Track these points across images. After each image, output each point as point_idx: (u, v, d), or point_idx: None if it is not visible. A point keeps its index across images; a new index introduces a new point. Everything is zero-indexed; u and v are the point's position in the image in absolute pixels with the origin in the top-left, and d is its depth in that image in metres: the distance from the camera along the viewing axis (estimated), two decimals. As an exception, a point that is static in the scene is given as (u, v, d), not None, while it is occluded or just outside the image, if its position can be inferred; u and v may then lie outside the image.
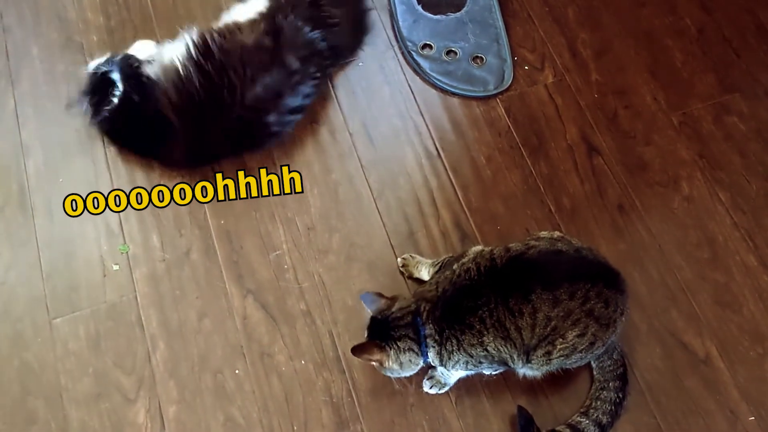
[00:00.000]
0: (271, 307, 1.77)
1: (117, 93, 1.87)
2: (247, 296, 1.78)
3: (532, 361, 1.54)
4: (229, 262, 1.81)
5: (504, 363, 1.54)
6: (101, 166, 1.93)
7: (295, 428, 1.65)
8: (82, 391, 1.67)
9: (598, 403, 1.63)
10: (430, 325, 1.50)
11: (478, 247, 1.60)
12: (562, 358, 1.52)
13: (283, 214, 1.88)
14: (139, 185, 1.90)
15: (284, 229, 1.86)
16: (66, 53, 2.06)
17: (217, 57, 1.84)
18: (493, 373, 1.65)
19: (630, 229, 1.87)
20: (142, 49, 1.98)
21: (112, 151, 1.95)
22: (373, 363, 1.56)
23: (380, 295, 1.56)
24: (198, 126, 1.85)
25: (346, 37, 2.05)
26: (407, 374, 1.59)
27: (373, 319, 1.55)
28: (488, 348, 1.49)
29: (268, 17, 1.91)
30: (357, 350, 1.52)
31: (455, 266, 1.54)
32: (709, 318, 1.76)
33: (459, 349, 1.51)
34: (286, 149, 1.96)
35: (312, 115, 2.01)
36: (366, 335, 1.56)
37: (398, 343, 1.51)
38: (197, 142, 1.88)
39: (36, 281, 1.78)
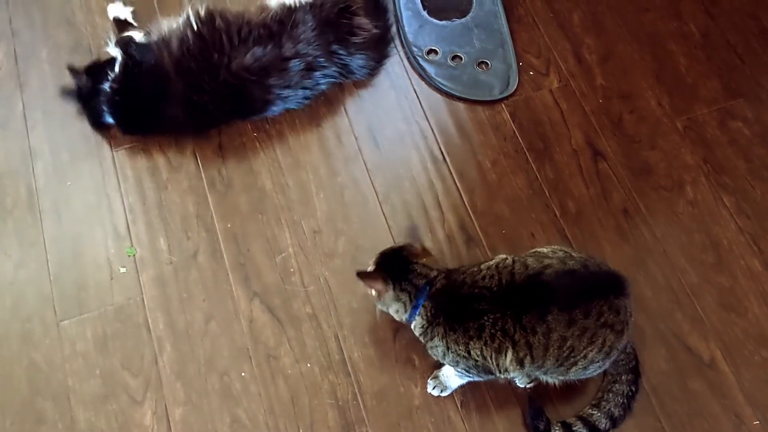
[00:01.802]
0: (278, 310, 1.78)
1: (117, 63, 1.93)
2: (253, 299, 1.79)
3: (550, 373, 1.56)
4: (235, 265, 1.82)
5: (489, 371, 1.54)
6: (108, 169, 1.94)
7: (301, 430, 1.65)
8: (90, 392, 1.68)
9: (611, 395, 1.63)
10: (431, 302, 1.52)
11: (503, 255, 1.59)
12: (580, 370, 1.53)
13: (290, 218, 1.89)
14: (146, 188, 1.91)
15: (290, 232, 1.87)
16: (74, 56, 2.08)
17: (216, 22, 1.91)
18: (481, 379, 1.63)
19: (635, 233, 1.88)
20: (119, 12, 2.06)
21: (119, 154, 1.96)
22: (371, 292, 1.58)
23: (422, 242, 1.60)
24: (192, 82, 1.91)
25: (362, 60, 2.05)
26: (391, 314, 1.61)
27: (397, 252, 1.58)
28: (472, 352, 1.50)
29: (292, 10, 1.96)
30: (364, 275, 1.56)
31: (483, 265, 1.55)
32: (713, 321, 1.77)
33: (441, 339, 1.52)
34: (292, 152, 1.97)
35: (318, 118, 2.02)
36: (377, 259, 1.59)
37: (400, 293, 1.55)
38: (194, 99, 1.92)
39: (44, 282, 1.79)
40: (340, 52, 1.98)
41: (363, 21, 2.02)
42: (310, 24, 1.94)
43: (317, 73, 1.97)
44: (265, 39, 1.92)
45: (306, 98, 2.00)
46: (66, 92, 1.97)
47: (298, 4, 1.97)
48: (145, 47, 1.94)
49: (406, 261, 1.56)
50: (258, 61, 1.91)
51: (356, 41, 2.00)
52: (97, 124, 1.98)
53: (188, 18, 1.93)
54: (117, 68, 1.93)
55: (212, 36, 1.91)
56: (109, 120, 1.97)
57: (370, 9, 2.07)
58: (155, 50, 1.93)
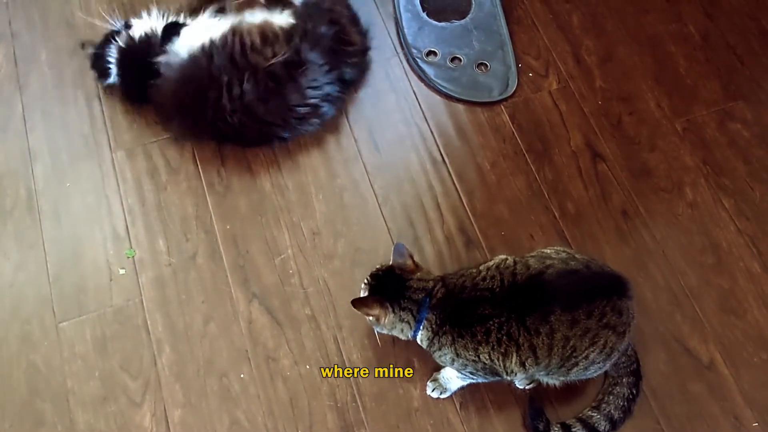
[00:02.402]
0: (277, 312, 1.77)
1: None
2: (252, 300, 1.79)
3: (551, 374, 1.56)
4: (234, 267, 1.82)
5: (495, 373, 1.54)
6: (108, 171, 1.94)
7: (300, 432, 1.66)
8: (89, 393, 1.68)
9: (611, 398, 1.63)
10: (434, 313, 1.51)
11: (503, 256, 1.58)
12: (581, 371, 1.53)
13: (289, 219, 1.89)
14: (146, 189, 1.91)
15: (290, 234, 1.87)
16: (74, 58, 2.08)
17: (218, 63, 1.85)
18: (486, 380, 1.63)
19: (634, 235, 1.88)
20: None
21: (119, 156, 1.96)
22: (369, 318, 1.56)
23: (411, 255, 1.57)
24: (181, 108, 1.91)
25: (358, 71, 2.05)
26: (395, 334, 1.60)
27: (389, 271, 1.55)
28: (480, 356, 1.50)
29: (296, 42, 1.87)
30: (359, 303, 1.53)
31: (481, 267, 1.54)
32: (713, 323, 1.77)
33: (450, 346, 1.51)
34: (291, 154, 1.97)
35: (317, 120, 2.02)
36: (369, 281, 1.56)
37: (401, 312, 1.52)
38: (182, 119, 1.93)
39: (43, 284, 1.79)
40: (347, 75, 1.98)
41: (354, 37, 2.00)
42: (320, 63, 1.88)
43: (323, 107, 1.95)
44: (271, 92, 1.85)
45: (311, 128, 1.99)
46: (85, 45, 2.03)
47: (292, 28, 1.91)
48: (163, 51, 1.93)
49: (400, 278, 1.54)
50: (255, 115, 1.87)
51: (354, 59, 1.99)
52: (104, 77, 2.01)
53: (202, 46, 1.88)
54: (135, 33, 1.95)
55: (210, 77, 1.85)
56: (115, 79, 2.00)
57: (352, 19, 2.05)
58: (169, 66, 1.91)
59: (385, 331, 1.59)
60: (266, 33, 1.90)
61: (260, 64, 1.85)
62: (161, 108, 1.96)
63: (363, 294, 1.58)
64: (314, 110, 1.93)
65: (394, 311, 1.53)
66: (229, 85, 1.84)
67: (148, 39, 1.96)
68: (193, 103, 1.87)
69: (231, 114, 1.86)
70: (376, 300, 1.53)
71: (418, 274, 1.55)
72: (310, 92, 1.89)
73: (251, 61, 1.86)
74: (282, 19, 1.96)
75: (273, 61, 1.85)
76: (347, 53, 1.98)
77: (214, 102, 1.85)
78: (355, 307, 1.52)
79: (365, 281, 1.58)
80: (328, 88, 1.92)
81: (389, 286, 1.54)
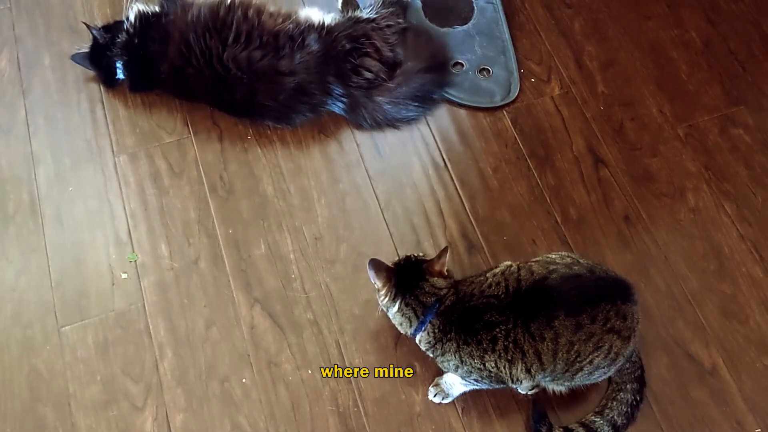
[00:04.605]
0: (279, 316, 1.77)
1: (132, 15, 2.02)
2: (254, 305, 1.79)
3: (556, 380, 1.56)
4: (236, 271, 1.82)
5: (500, 381, 1.54)
6: (110, 175, 1.95)
7: (302, 437, 1.66)
8: (90, 398, 1.68)
9: (614, 403, 1.63)
10: (439, 319, 1.51)
11: (509, 262, 1.58)
12: (586, 375, 1.54)
13: (291, 224, 1.89)
14: (148, 194, 1.92)
15: (292, 239, 1.87)
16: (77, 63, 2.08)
17: (234, 10, 1.95)
18: (490, 387, 1.63)
19: (636, 240, 1.88)
20: None
21: (121, 160, 1.97)
22: (373, 282, 1.57)
23: (444, 263, 1.56)
24: (185, 52, 1.95)
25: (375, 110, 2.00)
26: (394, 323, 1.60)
27: (417, 264, 1.55)
28: (486, 364, 1.50)
29: (304, 30, 1.96)
30: (375, 263, 1.54)
31: (488, 273, 1.55)
32: (715, 329, 1.77)
33: (455, 353, 1.51)
34: (293, 158, 1.98)
35: (319, 124, 2.02)
36: (398, 260, 1.58)
37: (403, 306, 1.53)
38: (181, 69, 1.96)
39: (45, 288, 1.80)
40: (336, 88, 1.96)
41: (372, 63, 1.99)
42: (315, 50, 1.94)
43: (311, 99, 1.96)
44: (268, 47, 1.93)
45: (294, 118, 1.99)
46: (77, 56, 2.04)
47: (318, 24, 1.97)
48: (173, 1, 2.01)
49: (421, 276, 1.54)
50: (251, 63, 1.92)
51: (357, 81, 1.97)
52: (110, 82, 2.05)
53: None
54: (132, 18, 1.99)
55: (222, 21, 1.94)
56: (121, 75, 2.03)
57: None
58: (177, 7, 1.99)
59: (384, 310, 1.58)
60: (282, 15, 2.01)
61: (268, 24, 1.96)
62: (167, 43, 1.98)
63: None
64: (298, 91, 1.94)
65: (396, 299, 1.53)
66: (237, 33, 1.92)
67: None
68: (199, 42, 1.93)
69: (229, 61, 1.92)
70: (388, 273, 1.54)
71: (436, 279, 1.54)
72: (299, 68, 1.92)
73: (262, 19, 1.96)
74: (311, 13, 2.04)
75: (281, 24, 1.95)
76: (349, 68, 1.97)
77: (219, 44, 1.92)
78: (371, 263, 1.54)
79: (397, 259, 1.59)
80: (312, 78, 1.93)
81: (408, 276, 1.54)
